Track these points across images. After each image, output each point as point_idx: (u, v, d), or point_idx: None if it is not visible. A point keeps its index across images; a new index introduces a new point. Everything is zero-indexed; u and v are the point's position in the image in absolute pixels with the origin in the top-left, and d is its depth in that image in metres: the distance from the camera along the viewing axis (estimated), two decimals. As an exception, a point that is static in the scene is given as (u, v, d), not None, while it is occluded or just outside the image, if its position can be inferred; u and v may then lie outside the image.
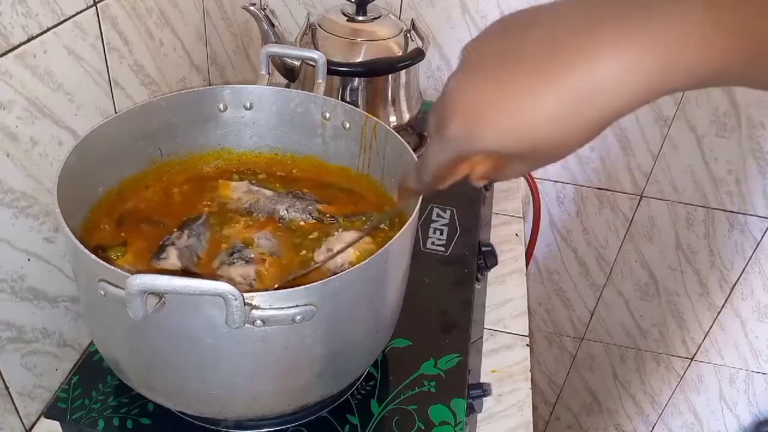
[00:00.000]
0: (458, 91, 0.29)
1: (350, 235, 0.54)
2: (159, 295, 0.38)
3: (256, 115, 0.62)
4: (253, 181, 0.62)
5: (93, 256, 0.40)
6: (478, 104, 0.28)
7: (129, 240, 0.54)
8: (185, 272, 0.51)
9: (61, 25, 0.55)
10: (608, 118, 0.27)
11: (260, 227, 0.58)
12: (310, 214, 0.59)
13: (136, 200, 0.58)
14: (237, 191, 0.61)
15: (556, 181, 1.17)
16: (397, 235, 0.45)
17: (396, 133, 0.56)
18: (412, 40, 0.87)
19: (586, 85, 0.26)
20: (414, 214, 0.48)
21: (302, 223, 0.59)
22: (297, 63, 0.85)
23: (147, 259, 0.53)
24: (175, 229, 0.55)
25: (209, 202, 0.60)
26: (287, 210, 0.59)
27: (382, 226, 0.57)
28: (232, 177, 0.63)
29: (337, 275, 0.42)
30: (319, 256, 0.53)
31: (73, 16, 0.57)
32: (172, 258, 0.52)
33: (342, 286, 0.43)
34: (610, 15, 0.26)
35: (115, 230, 0.55)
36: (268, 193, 0.61)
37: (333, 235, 0.55)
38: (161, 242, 0.53)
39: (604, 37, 0.26)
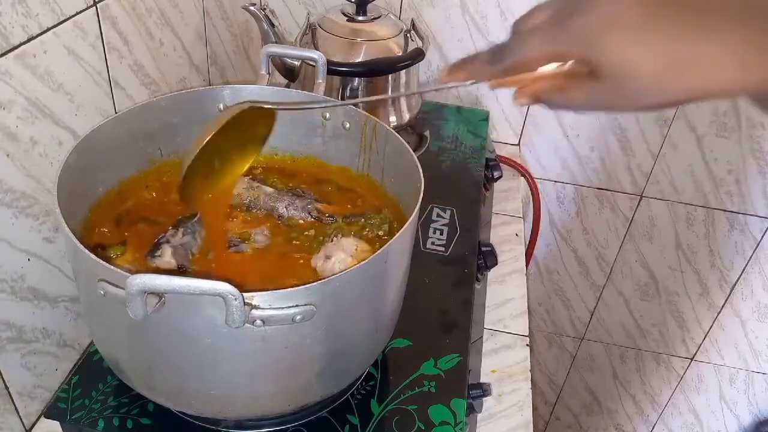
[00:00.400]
0: (614, 10, 0.31)
1: (349, 242, 0.54)
2: (159, 294, 0.38)
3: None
4: (255, 178, 0.62)
5: (93, 256, 0.40)
6: (623, 12, 0.31)
7: (128, 239, 0.54)
8: (183, 272, 0.51)
9: (61, 25, 0.55)
10: (700, 91, 0.31)
11: (258, 223, 0.58)
12: (309, 212, 0.59)
13: (136, 199, 0.58)
14: (237, 187, 0.61)
15: (556, 181, 1.17)
16: (397, 235, 0.45)
17: (396, 133, 0.56)
18: (412, 40, 0.87)
19: (707, 55, 0.30)
20: (414, 214, 0.48)
21: (301, 221, 0.59)
22: (297, 63, 0.85)
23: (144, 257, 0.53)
24: (169, 227, 0.55)
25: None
26: (287, 208, 0.59)
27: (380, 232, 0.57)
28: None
29: (337, 275, 0.42)
30: (317, 261, 0.53)
31: (73, 16, 0.57)
32: (166, 256, 0.52)
33: (342, 286, 0.43)
34: (745, 17, 0.30)
35: (114, 229, 0.55)
36: (269, 190, 0.61)
37: (332, 241, 0.55)
38: (156, 240, 0.53)
39: (733, 31, 0.30)
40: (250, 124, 0.51)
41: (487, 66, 0.37)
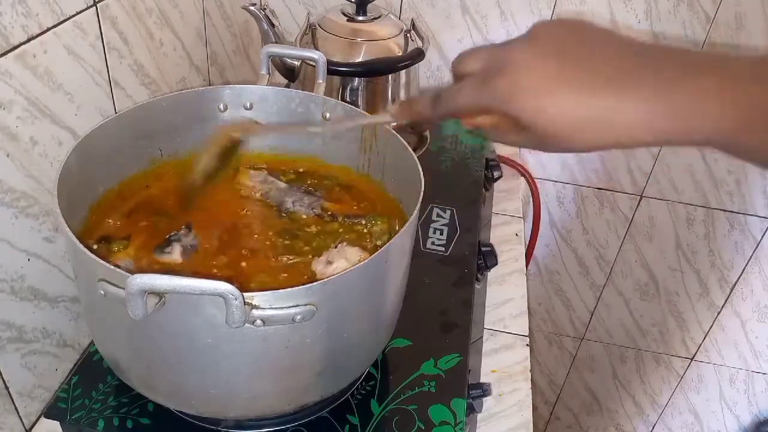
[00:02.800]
0: (523, 59, 0.34)
1: (353, 251, 0.54)
2: (159, 294, 0.38)
3: (256, 116, 0.62)
4: (272, 173, 0.64)
5: (93, 256, 0.40)
6: (534, 78, 0.34)
7: (133, 234, 0.54)
8: (184, 271, 0.51)
9: (61, 25, 0.55)
10: (615, 143, 0.34)
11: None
12: (312, 209, 0.60)
13: (143, 196, 0.59)
14: (254, 179, 0.62)
15: (556, 181, 1.17)
16: (397, 235, 0.45)
17: (396, 134, 0.56)
18: (412, 40, 0.87)
19: (619, 112, 0.33)
20: (414, 214, 0.48)
21: (304, 216, 0.60)
22: (297, 63, 0.85)
23: (149, 252, 0.53)
24: (183, 226, 0.55)
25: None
26: (293, 203, 0.60)
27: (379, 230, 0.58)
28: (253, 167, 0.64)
29: (337, 275, 0.42)
30: (318, 266, 0.53)
31: (73, 16, 0.57)
32: (175, 254, 0.52)
33: (342, 286, 0.43)
34: (655, 72, 0.33)
35: (121, 223, 0.56)
36: (282, 185, 0.62)
37: (336, 248, 0.55)
38: (168, 236, 0.54)
39: (647, 86, 0.33)
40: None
41: (429, 110, 0.41)
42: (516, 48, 0.35)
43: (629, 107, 0.33)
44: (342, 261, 0.52)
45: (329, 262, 0.53)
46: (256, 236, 0.57)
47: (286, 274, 0.53)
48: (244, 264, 0.54)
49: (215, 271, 0.52)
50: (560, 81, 0.33)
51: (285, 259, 0.54)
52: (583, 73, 0.33)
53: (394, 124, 0.45)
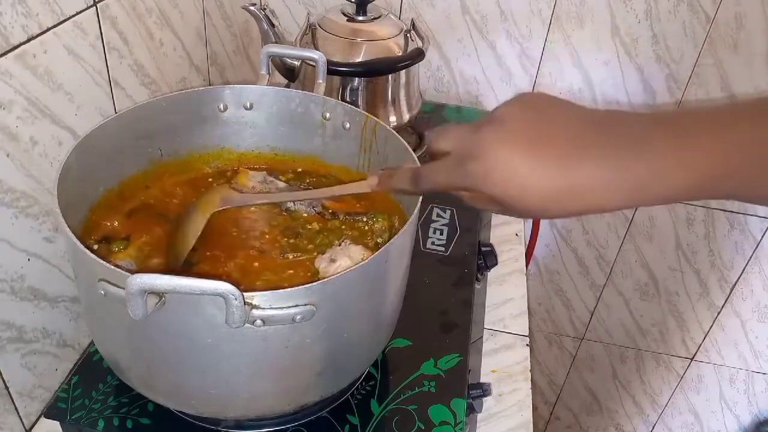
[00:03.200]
0: (492, 144, 0.37)
1: (357, 249, 0.54)
2: (159, 294, 0.38)
3: (256, 115, 0.62)
4: (271, 173, 0.64)
5: (93, 256, 0.40)
6: (504, 162, 0.36)
7: (133, 234, 0.54)
8: (183, 272, 0.51)
9: (61, 25, 0.55)
10: (587, 210, 0.36)
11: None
12: (313, 207, 0.60)
13: (144, 197, 0.59)
14: (253, 180, 0.62)
15: (556, 181, 1.17)
16: (397, 235, 0.45)
17: (396, 134, 0.56)
18: (412, 40, 0.87)
19: (584, 183, 0.35)
20: (414, 215, 0.48)
21: (305, 214, 0.60)
22: (297, 63, 0.85)
23: (147, 253, 0.53)
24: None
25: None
26: (293, 202, 0.60)
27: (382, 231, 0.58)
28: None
29: (337, 275, 0.42)
30: (321, 263, 0.53)
31: (73, 16, 0.57)
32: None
33: (342, 286, 0.43)
34: (613, 141, 0.35)
35: (120, 222, 0.56)
36: (281, 184, 0.62)
37: (340, 246, 0.55)
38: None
39: (606, 156, 0.35)
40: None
41: (409, 185, 0.44)
42: (485, 132, 0.38)
43: (594, 177, 0.35)
44: (345, 259, 0.52)
45: (332, 260, 0.53)
46: (258, 235, 0.57)
47: (291, 271, 0.53)
48: (248, 263, 0.54)
49: (220, 270, 0.53)
50: (528, 161, 0.36)
51: (291, 256, 0.55)
52: (548, 151, 0.36)
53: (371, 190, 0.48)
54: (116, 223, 0.56)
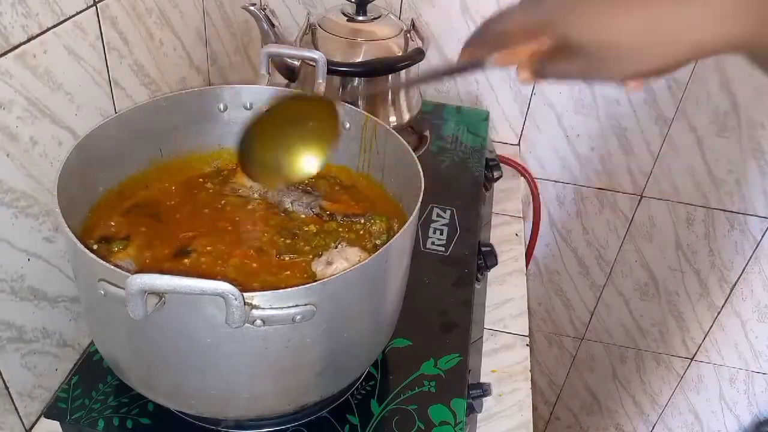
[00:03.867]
0: None
1: (353, 251, 0.54)
2: (159, 294, 0.38)
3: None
4: None
5: (93, 256, 0.40)
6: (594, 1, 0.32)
7: (133, 234, 0.55)
8: (186, 271, 0.51)
9: (61, 25, 0.55)
10: (679, 53, 0.32)
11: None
12: (311, 209, 0.60)
13: (143, 196, 0.59)
14: (249, 181, 0.62)
15: (556, 182, 1.17)
16: (397, 235, 0.45)
17: (396, 134, 0.56)
18: (412, 40, 0.87)
19: (672, 20, 0.31)
20: (414, 214, 0.48)
21: (303, 215, 0.60)
22: (297, 63, 0.85)
23: (145, 252, 0.53)
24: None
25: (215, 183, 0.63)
26: (292, 203, 0.60)
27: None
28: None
29: (338, 275, 0.42)
30: (318, 266, 0.53)
31: (73, 16, 0.57)
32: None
33: (342, 286, 0.43)
34: None
35: (120, 222, 0.56)
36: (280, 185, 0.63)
37: (336, 248, 0.55)
38: (186, 247, 0.54)
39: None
40: (317, 124, 0.52)
41: (480, 44, 0.39)
42: None
43: (700, 11, 0.31)
44: (342, 261, 0.52)
45: (329, 263, 0.53)
46: (256, 235, 0.57)
47: (288, 272, 0.53)
48: (246, 263, 0.54)
49: (219, 269, 0.53)
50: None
51: (287, 258, 0.54)
52: None
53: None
54: (112, 223, 0.56)
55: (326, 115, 0.51)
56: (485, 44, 0.39)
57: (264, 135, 0.51)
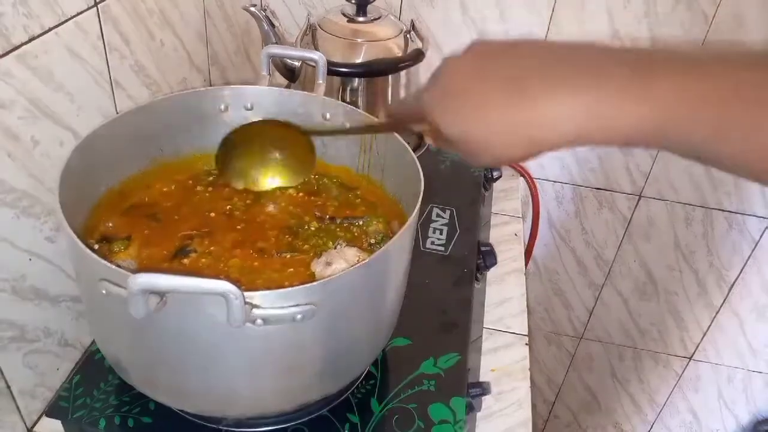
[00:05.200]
0: (449, 71, 0.38)
1: (352, 252, 0.54)
2: (160, 294, 0.38)
3: (256, 116, 0.63)
4: None
5: (94, 256, 0.40)
6: (447, 95, 0.38)
7: (134, 234, 0.55)
8: (188, 271, 0.52)
9: (63, 26, 0.55)
10: (536, 149, 0.35)
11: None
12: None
13: (143, 196, 0.59)
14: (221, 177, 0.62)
15: (555, 182, 1.17)
16: (397, 235, 0.46)
17: (396, 134, 0.57)
18: (412, 41, 0.87)
19: (530, 119, 0.34)
20: (414, 214, 0.48)
21: (306, 217, 0.60)
22: (297, 64, 0.85)
23: (146, 252, 0.54)
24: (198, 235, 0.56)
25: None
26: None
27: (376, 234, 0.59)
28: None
29: (338, 275, 0.42)
30: (317, 267, 0.53)
31: (75, 16, 0.57)
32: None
33: (342, 286, 0.43)
34: (559, 76, 0.34)
35: (121, 222, 0.56)
36: None
37: (335, 248, 0.55)
38: (184, 246, 0.54)
39: (552, 91, 0.34)
40: (294, 148, 0.59)
41: (399, 113, 0.47)
42: (449, 60, 0.39)
43: (548, 114, 0.34)
44: (341, 262, 0.53)
45: (328, 263, 0.53)
46: (257, 234, 0.57)
47: (292, 269, 0.54)
48: (247, 262, 0.54)
49: (221, 267, 0.53)
50: (475, 91, 0.36)
51: (288, 255, 0.55)
52: (501, 83, 0.35)
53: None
54: (111, 224, 0.56)
55: (305, 149, 0.58)
56: (402, 116, 0.47)
57: (243, 143, 0.58)
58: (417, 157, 0.53)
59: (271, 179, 0.61)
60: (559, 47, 0.36)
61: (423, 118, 0.40)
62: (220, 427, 0.54)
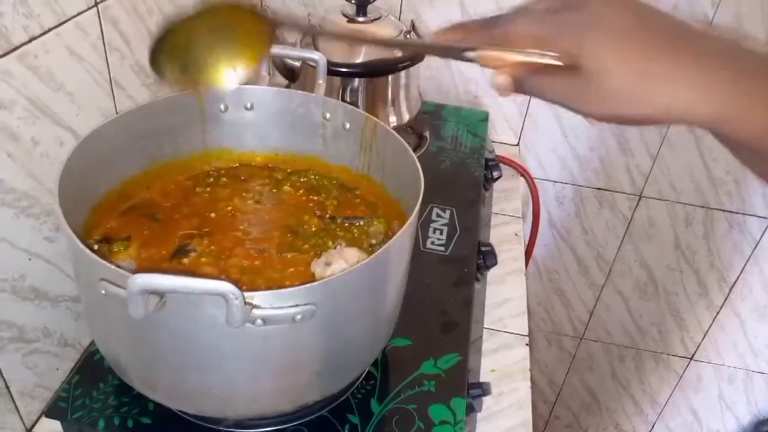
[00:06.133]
0: (601, 4, 0.34)
1: (352, 252, 0.54)
2: (160, 294, 0.38)
3: (256, 116, 0.63)
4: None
5: (94, 256, 0.40)
6: (611, 23, 0.34)
7: (134, 234, 0.55)
8: (188, 271, 0.52)
9: (63, 26, 0.55)
10: (662, 107, 0.33)
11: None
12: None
13: (143, 197, 0.59)
14: (254, 182, 0.62)
15: (555, 182, 1.17)
16: (397, 235, 0.46)
17: (396, 134, 0.57)
18: (412, 41, 0.87)
19: (674, 76, 0.33)
20: (414, 214, 0.48)
21: (305, 217, 0.60)
22: (297, 64, 0.85)
23: (145, 252, 0.53)
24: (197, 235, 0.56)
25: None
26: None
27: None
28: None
29: (338, 275, 0.42)
30: (317, 267, 0.53)
31: (75, 16, 0.57)
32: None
33: (342, 286, 0.43)
34: (698, 54, 0.33)
35: (121, 222, 0.56)
36: (287, 188, 0.63)
37: (335, 249, 0.55)
38: (183, 246, 0.54)
39: (704, 68, 0.33)
40: (246, 29, 0.47)
41: (478, 30, 0.39)
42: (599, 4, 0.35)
43: (693, 79, 0.33)
44: (341, 262, 0.53)
45: (328, 264, 0.53)
46: (257, 233, 0.57)
47: (292, 269, 0.54)
48: (247, 261, 0.54)
49: (222, 266, 0.53)
50: (635, 28, 0.33)
51: (288, 255, 0.55)
52: (659, 28, 0.34)
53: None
54: (113, 223, 0.56)
55: (259, 28, 0.47)
56: (484, 35, 0.38)
57: (185, 35, 0.49)
58: (417, 157, 0.53)
59: (222, 71, 0.47)
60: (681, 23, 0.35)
61: (543, 41, 0.35)
62: (220, 428, 0.54)
